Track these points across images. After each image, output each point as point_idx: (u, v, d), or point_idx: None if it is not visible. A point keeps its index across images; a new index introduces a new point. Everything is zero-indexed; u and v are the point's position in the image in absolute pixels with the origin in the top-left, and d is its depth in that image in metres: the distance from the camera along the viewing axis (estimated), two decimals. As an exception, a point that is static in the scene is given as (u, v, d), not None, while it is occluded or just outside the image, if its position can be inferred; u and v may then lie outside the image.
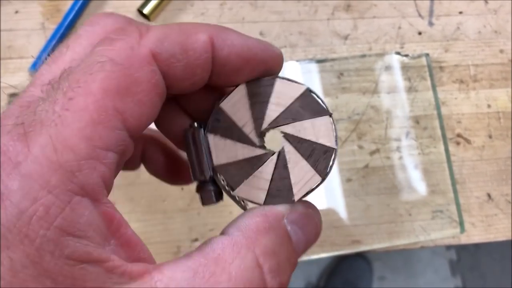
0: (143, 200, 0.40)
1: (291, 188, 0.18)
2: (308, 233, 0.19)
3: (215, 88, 0.19)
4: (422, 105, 0.43)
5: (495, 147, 0.43)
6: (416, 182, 0.42)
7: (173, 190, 0.40)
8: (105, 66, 0.15)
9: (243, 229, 0.17)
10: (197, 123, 0.19)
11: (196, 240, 0.39)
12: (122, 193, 0.40)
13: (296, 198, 0.19)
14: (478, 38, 0.45)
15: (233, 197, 0.19)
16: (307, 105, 0.19)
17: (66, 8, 0.42)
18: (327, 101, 0.42)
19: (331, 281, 1.09)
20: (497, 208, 0.43)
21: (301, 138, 0.19)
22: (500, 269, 1.16)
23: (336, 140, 0.19)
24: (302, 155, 0.18)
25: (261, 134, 0.19)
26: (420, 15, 0.45)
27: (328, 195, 0.41)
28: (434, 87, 0.43)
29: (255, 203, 0.19)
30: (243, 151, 0.19)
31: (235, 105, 0.19)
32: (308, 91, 0.19)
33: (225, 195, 0.20)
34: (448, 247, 1.15)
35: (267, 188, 0.19)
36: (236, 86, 0.19)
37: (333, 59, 0.42)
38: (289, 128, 0.19)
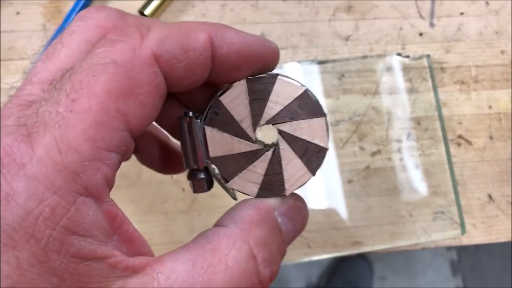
0: (144, 201, 0.40)
1: (283, 184, 0.19)
2: (297, 224, 0.20)
3: (213, 84, 0.20)
4: (423, 106, 0.43)
5: (496, 148, 0.43)
6: (417, 183, 0.42)
7: (174, 191, 0.40)
8: (108, 68, 0.15)
9: (237, 221, 0.18)
10: (192, 113, 0.19)
11: (197, 241, 0.39)
12: (123, 194, 0.40)
13: (287, 193, 0.19)
14: (479, 39, 0.45)
15: (224, 186, 0.20)
16: (305, 106, 0.19)
17: (67, 9, 0.42)
18: (328, 103, 0.42)
19: (331, 281, 1.09)
20: (498, 209, 0.43)
21: (297, 137, 0.19)
22: (501, 269, 1.16)
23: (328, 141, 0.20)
24: (296, 153, 0.19)
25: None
26: (421, 16, 0.45)
27: (329, 197, 0.41)
28: (435, 88, 0.43)
29: (247, 195, 0.19)
30: (239, 145, 0.19)
31: (234, 100, 0.19)
32: (307, 92, 0.19)
33: (215, 184, 0.21)
34: (449, 248, 1.15)
35: (260, 182, 0.19)
36: (235, 81, 0.19)
37: (334, 60, 0.42)
38: (286, 127, 0.19)
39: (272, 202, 0.19)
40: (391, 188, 0.41)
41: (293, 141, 0.19)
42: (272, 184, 0.19)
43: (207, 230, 0.18)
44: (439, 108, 0.42)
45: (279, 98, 0.19)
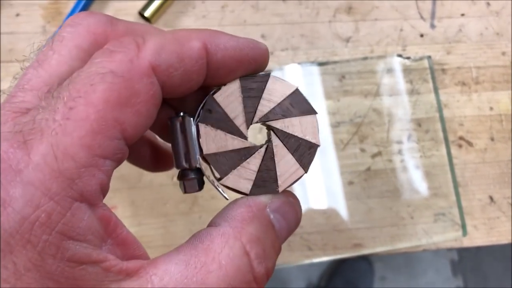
0: (144, 204, 0.40)
1: (276, 180, 0.20)
2: (290, 220, 0.20)
3: (206, 87, 0.20)
4: (424, 107, 0.43)
5: (497, 149, 0.43)
6: (418, 185, 0.42)
7: (175, 193, 0.40)
8: (106, 77, 0.15)
9: (229, 220, 0.18)
10: (183, 113, 0.20)
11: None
12: (123, 197, 0.39)
13: (281, 189, 0.20)
14: (480, 40, 0.45)
15: (215, 186, 0.20)
16: (296, 103, 0.20)
17: (67, 11, 0.42)
18: (328, 104, 0.42)
19: (332, 282, 1.09)
20: (500, 211, 0.43)
21: (289, 134, 0.20)
22: (502, 270, 1.16)
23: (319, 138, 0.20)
24: (289, 149, 0.20)
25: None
26: (422, 17, 0.45)
27: (330, 198, 0.41)
28: (436, 90, 0.43)
29: (241, 192, 0.20)
30: (232, 142, 0.19)
31: (228, 98, 0.20)
32: (298, 90, 0.20)
33: (206, 184, 0.21)
34: (450, 248, 1.15)
35: (253, 178, 0.20)
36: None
37: (334, 62, 0.42)
38: (279, 123, 0.20)
39: (263, 199, 0.19)
40: (392, 190, 0.41)
41: (285, 137, 0.20)
42: (266, 181, 0.20)
43: (200, 231, 0.18)
44: (440, 110, 0.42)
45: (272, 96, 0.20)
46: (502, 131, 0.44)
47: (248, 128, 0.20)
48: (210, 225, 0.18)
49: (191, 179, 0.20)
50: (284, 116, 0.20)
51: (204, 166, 0.20)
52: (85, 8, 0.42)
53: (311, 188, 0.40)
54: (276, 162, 0.20)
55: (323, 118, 0.42)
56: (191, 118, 0.20)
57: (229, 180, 0.19)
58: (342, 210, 0.41)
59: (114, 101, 0.15)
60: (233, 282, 0.17)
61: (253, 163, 0.20)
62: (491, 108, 0.44)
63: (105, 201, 0.16)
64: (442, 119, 0.42)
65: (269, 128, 0.20)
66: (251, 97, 0.20)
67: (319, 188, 0.40)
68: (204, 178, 0.20)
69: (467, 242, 0.42)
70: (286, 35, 0.44)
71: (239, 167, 0.19)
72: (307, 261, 0.39)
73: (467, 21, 0.45)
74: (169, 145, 0.22)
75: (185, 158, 0.20)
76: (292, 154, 0.20)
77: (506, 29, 0.45)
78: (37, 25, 0.42)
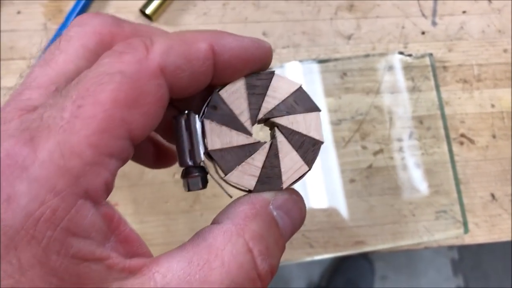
0: (145, 202, 0.40)
1: (281, 176, 0.20)
2: (294, 217, 0.20)
3: (211, 86, 0.20)
4: (425, 105, 0.42)
5: (499, 147, 0.43)
6: (420, 182, 0.42)
7: (176, 191, 0.40)
8: (115, 77, 0.15)
9: (231, 217, 0.18)
10: (188, 110, 0.20)
11: (199, 241, 0.39)
12: (124, 195, 0.39)
13: (285, 186, 0.20)
14: (481, 38, 0.45)
15: (219, 183, 0.20)
16: (300, 101, 0.20)
17: (68, 8, 0.42)
18: (330, 102, 0.42)
19: (333, 281, 1.09)
20: (501, 208, 0.42)
21: (293, 130, 0.20)
22: (502, 269, 1.16)
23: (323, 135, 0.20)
24: (293, 146, 0.20)
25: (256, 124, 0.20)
26: (423, 15, 0.45)
27: (331, 196, 0.41)
28: (437, 87, 0.43)
29: (245, 189, 0.20)
30: (237, 138, 0.19)
31: (233, 94, 0.20)
32: (302, 88, 0.20)
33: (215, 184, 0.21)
34: (451, 247, 1.15)
35: (258, 175, 0.20)
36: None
37: (336, 59, 0.42)
38: (283, 120, 0.20)
39: (266, 196, 0.19)
40: (393, 187, 0.41)
41: (289, 134, 0.20)
42: (270, 177, 0.20)
43: (202, 228, 0.18)
44: (441, 107, 0.42)
45: (276, 93, 0.20)
46: (503, 128, 0.44)
47: (252, 125, 0.20)
48: (213, 223, 0.18)
49: (195, 177, 0.20)
50: (288, 113, 0.20)
51: (208, 164, 0.20)
52: (86, 5, 0.42)
53: (312, 186, 0.40)
54: (280, 158, 0.20)
55: (324, 116, 0.42)
56: (196, 115, 0.20)
57: (234, 176, 0.19)
58: (344, 207, 0.41)
59: (122, 101, 0.15)
60: (236, 279, 0.16)
61: (258, 159, 0.20)
62: (492, 106, 0.44)
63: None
64: (443, 116, 0.42)
65: (274, 124, 0.20)
66: (256, 94, 0.20)
67: (321, 185, 0.40)
68: (208, 176, 0.20)
69: (468, 240, 0.42)
70: (288, 32, 0.44)
71: (243, 163, 0.19)
72: (308, 259, 0.39)
73: (469, 19, 0.45)
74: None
75: (189, 155, 0.20)
76: (297, 151, 0.20)
77: (507, 27, 0.45)
78: (38, 23, 0.42)
